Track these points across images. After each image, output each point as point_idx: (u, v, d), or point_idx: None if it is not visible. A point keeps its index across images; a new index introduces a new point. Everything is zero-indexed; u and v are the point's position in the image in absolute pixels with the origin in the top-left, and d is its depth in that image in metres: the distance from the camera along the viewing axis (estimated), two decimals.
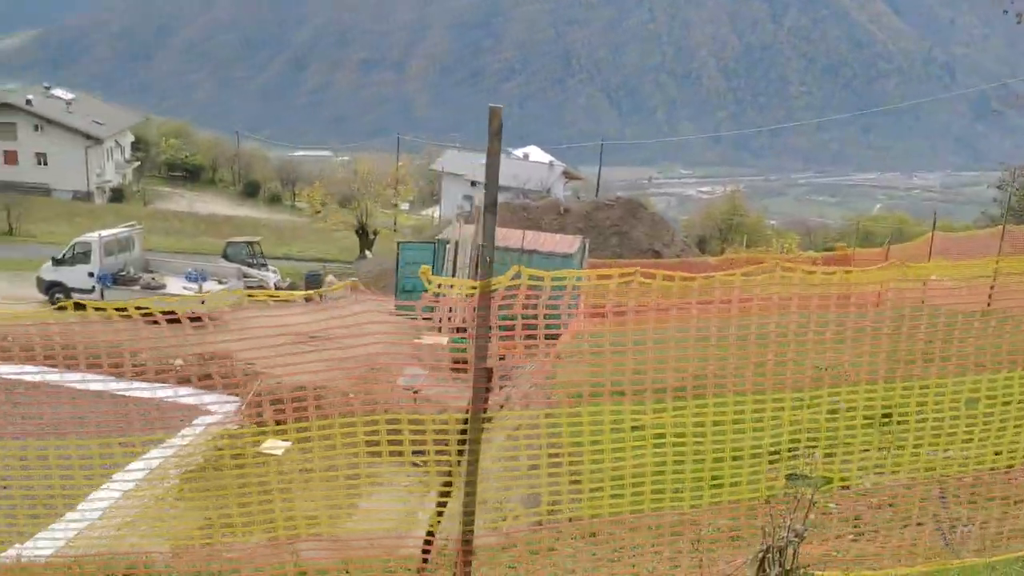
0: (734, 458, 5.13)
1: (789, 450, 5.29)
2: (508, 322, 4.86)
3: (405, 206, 74.15)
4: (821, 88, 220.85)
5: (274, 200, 76.64)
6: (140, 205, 68.44)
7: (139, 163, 75.45)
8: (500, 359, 6.02)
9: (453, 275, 26.01)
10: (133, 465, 15.89)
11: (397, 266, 26.84)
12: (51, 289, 27.07)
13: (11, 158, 66.12)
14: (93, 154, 66.93)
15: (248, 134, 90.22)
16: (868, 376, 5.39)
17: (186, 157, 79.21)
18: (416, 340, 25.57)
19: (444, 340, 25.48)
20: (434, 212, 79.26)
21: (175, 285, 26.83)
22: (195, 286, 26.61)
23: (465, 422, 4.93)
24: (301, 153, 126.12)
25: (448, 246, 25.83)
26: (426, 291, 4.64)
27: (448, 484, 4.72)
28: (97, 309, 5.07)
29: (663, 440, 5.13)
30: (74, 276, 26.71)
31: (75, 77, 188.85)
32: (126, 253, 27.67)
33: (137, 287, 26.52)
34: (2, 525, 5.79)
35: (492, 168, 3.91)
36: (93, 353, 5.19)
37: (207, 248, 50.59)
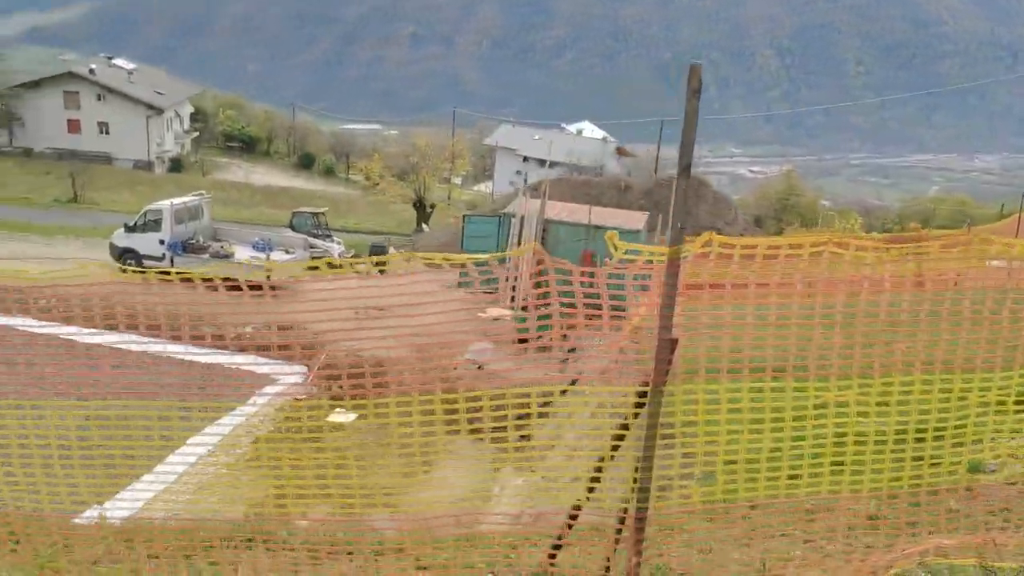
0: (859, 443, 5.00)
1: (922, 435, 5.13)
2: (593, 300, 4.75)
3: (458, 180, 74.26)
4: (879, 68, 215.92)
5: (328, 172, 77.18)
6: (199, 175, 69.38)
7: (197, 134, 76.37)
8: (562, 336, 5.96)
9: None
10: (207, 430, 16.18)
11: (462, 239, 26.89)
12: (123, 255, 27.57)
13: (74, 127, 67.32)
14: (153, 124, 67.90)
15: (306, 105, 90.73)
16: (985, 363, 5.18)
17: (242, 128, 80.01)
18: (481, 313, 25.68)
19: (508, 313, 25.56)
20: (487, 187, 79.26)
21: (242, 254, 27.17)
22: (262, 255, 26.93)
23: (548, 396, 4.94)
24: (351, 126, 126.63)
25: (513, 220, 25.79)
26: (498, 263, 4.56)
27: (603, 459, 4.66)
28: (162, 274, 4.98)
29: (802, 421, 5.00)
30: (146, 243, 27.18)
31: (130, 50, 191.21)
32: (195, 221, 28.07)
33: (206, 255, 26.90)
34: (82, 484, 5.86)
35: (689, 127, 3.80)
36: (168, 319, 5.23)
37: (265, 219, 51.18)
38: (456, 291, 28.64)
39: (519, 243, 25.58)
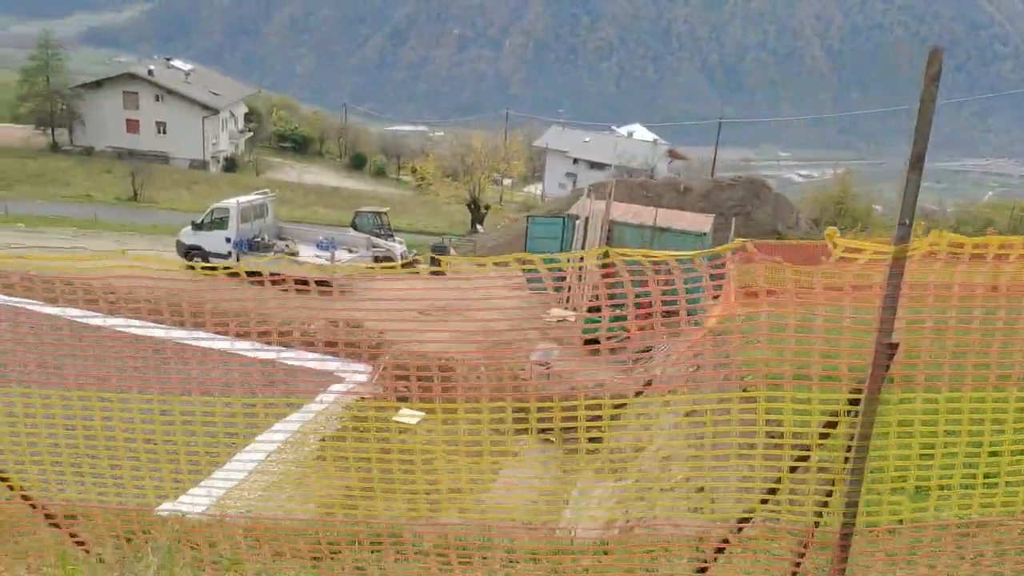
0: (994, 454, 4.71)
1: None
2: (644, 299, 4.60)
3: (507, 182, 74.25)
4: None
5: (379, 173, 77.68)
6: (252, 174, 70.24)
7: (252, 134, 77.30)
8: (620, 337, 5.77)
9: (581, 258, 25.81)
10: (275, 427, 16.25)
11: (526, 240, 26.78)
12: (190, 253, 27.86)
13: (133, 127, 68.52)
14: (209, 124, 68.88)
15: (354, 106, 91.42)
16: None
17: (294, 129, 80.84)
18: (544, 315, 25.54)
19: (572, 315, 25.38)
20: (536, 189, 79.18)
21: (307, 253, 27.31)
22: (326, 254, 27.06)
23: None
24: (396, 128, 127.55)
25: (578, 222, 25.61)
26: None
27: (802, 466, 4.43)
28: (232, 274, 5.04)
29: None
30: (212, 241, 27.41)
31: (184, 51, 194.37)
32: (260, 220, 28.27)
33: (271, 254, 27.08)
34: (148, 480, 5.82)
35: (924, 116, 3.57)
36: (237, 315, 5.19)
37: (319, 218, 51.62)
38: (520, 292, 28.66)
39: (583, 244, 25.40)
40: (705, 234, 24.80)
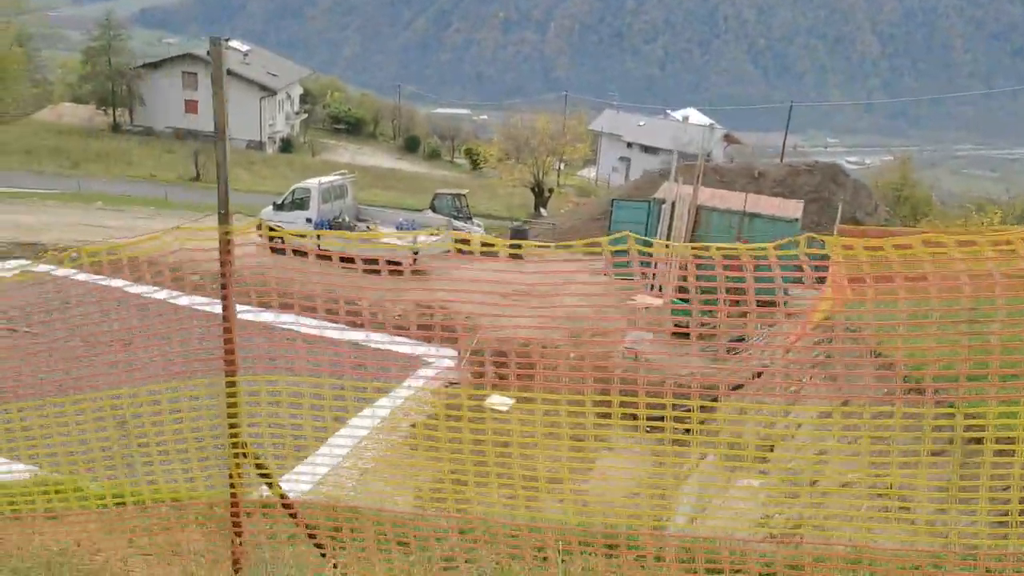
0: None
1: None
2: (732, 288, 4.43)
3: (560, 166, 73.88)
4: (987, 55, 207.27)
5: (433, 155, 77.59)
6: (308, 155, 70.51)
7: (307, 115, 77.57)
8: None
9: (668, 236, 25.49)
10: (365, 411, 16.13)
11: (609, 224, 26.48)
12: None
13: (192, 107, 68.99)
14: (266, 105, 69.18)
15: (406, 86, 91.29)
16: None
17: (349, 111, 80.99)
18: (630, 301, 25.24)
19: (658, 302, 25.05)
20: (590, 173, 78.66)
21: (388, 235, 27.23)
22: (407, 237, 26.94)
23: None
24: (441, 110, 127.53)
25: (664, 206, 25.24)
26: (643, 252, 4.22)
27: None
28: (322, 256, 5.02)
29: None
30: (292, 221, 27.43)
31: (230, 32, 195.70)
32: (340, 201, 28.23)
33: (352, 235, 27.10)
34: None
35: None
36: (325, 298, 5.04)
37: (380, 200, 51.62)
38: (602, 278, 28.22)
39: (670, 229, 25.05)
40: (796, 220, 24.33)
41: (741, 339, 21.85)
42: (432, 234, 27.32)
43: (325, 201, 27.41)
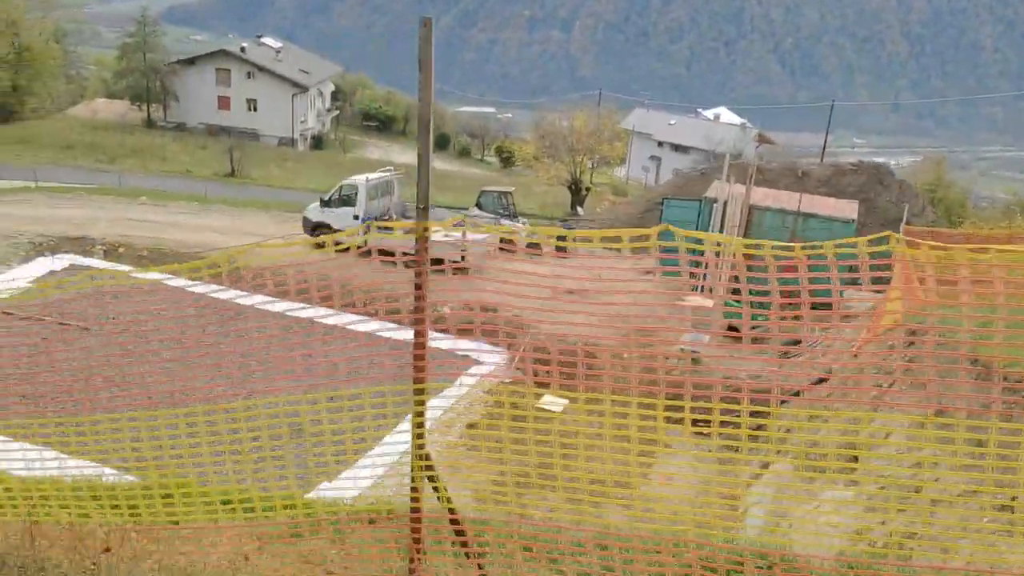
0: None
1: None
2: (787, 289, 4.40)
3: (595, 164, 73.65)
4: (1017, 55, 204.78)
5: (463, 153, 77.51)
6: (339, 152, 70.61)
7: (338, 112, 77.69)
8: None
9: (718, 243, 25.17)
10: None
11: (659, 223, 26.21)
12: (316, 230, 27.86)
13: (224, 103, 69.31)
14: (298, 102, 69.34)
15: (436, 85, 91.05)
16: None
17: (379, 108, 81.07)
18: (680, 301, 24.97)
19: (709, 303, 24.77)
20: (620, 172, 78.29)
21: (435, 232, 27.11)
22: (455, 233, 26.78)
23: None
24: (465, 109, 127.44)
25: (715, 205, 24.96)
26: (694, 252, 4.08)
27: None
28: (364, 253, 4.89)
29: None
30: (339, 218, 27.35)
31: (258, 29, 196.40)
32: (387, 197, 28.14)
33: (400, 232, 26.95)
34: (290, 466, 5.60)
35: None
36: (367, 296, 4.93)
37: (408, 197, 51.52)
38: (651, 276, 28.01)
39: (722, 229, 24.78)
40: (852, 221, 23.99)
41: (797, 342, 21.56)
42: (479, 231, 27.21)
43: (372, 198, 27.33)
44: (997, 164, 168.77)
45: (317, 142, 72.05)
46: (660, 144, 77.88)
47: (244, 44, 71.24)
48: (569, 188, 45.08)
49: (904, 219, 24.46)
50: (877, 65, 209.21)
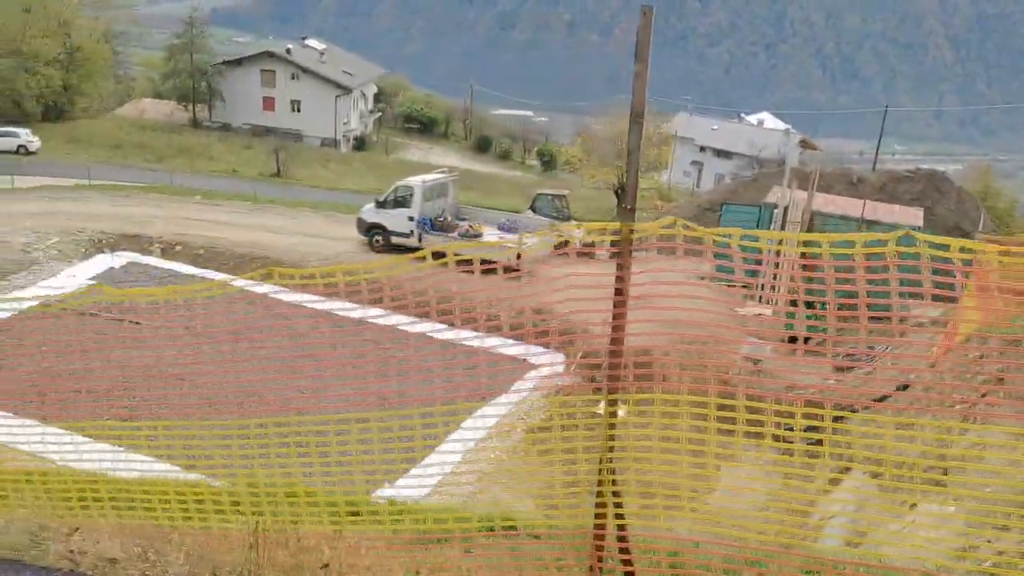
0: None
1: None
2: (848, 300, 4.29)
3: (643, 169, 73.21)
4: None
5: (505, 156, 77.43)
6: (382, 154, 70.83)
7: (380, 114, 77.97)
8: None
9: (780, 243, 24.81)
10: (478, 413, 15.76)
11: None
12: (371, 230, 27.87)
13: (269, 104, 69.83)
14: (341, 103, 69.65)
15: (475, 87, 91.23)
16: None
17: (421, 110, 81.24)
18: (739, 309, 24.64)
19: (768, 311, 24.41)
20: (662, 177, 77.86)
21: (490, 235, 27.00)
22: (511, 236, 26.65)
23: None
24: (502, 111, 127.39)
25: (776, 211, 24.58)
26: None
27: None
28: (437, 256, 4.80)
29: None
30: (394, 219, 27.36)
31: (298, 31, 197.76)
32: (442, 199, 28.09)
33: (455, 234, 26.86)
34: (356, 466, 5.64)
35: None
36: (422, 301, 5.05)
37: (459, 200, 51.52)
38: (707, 282, 27.60)
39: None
40: (919, 229, 23.47)
41: (867, 348, 21.11)
42: (535, 235, 27.03)
43: (427, 199, 27.29)
44: None
45: (359, 143, 72.35)
46: (702, 149, 77.32)
47: (289, 46, 71.71)
48: (615, 192, 44.79)
49: (980, 226, 23.92)
50: (920, 71, 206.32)
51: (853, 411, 14.39)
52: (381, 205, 27.77)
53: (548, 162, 75.36)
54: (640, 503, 5.37)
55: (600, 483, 4.50)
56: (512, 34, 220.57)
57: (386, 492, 7.80)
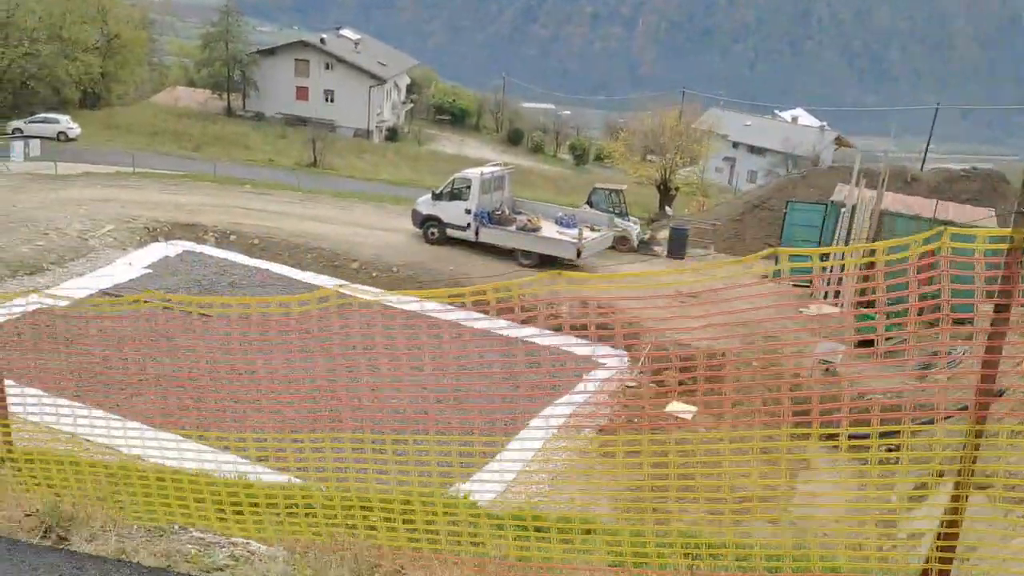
0: None
1: None
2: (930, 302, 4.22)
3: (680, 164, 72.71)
4: None
5: (537, 149, 77.05)
6: (415, 145, 70.62)
7: (413, 105, 77.73)
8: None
9: (847, 242, 24.42)
10: (544, 412, 15.38)
11: (783, 227, 25.52)
12: (426, 223, 27.56)
13: (302, 94, 69.71)
14: (375, 94, 69.43)
15: (496, 80, 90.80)
16: None
17: (453, 102, 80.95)
18: (803, 309, 24.22)
19: (834, 310, 23.97)
20: (691, 172, 77.18)
21: (549, 229, 26.65)
22: (571, 231, 26.32)
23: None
24: (526, 105, 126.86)
25: (843, 210, 24.15)
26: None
27: None
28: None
29: None
30: (451, 212, 27.01)
31: (321, 23, 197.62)
32: (499, 192, 27.72)
33: (513, 228, 26.51)
34: (431, 462, 5.53)
35: None
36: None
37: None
38: (769, 283, 27.15)
39: (849, 234, 23.98)
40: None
41: (935, 353, 20.55)
42: (593, 230, 26.67)
43: (485, 192, 26.91)
44: None
45: (392, 134, 72.15)
46: (735, 145, 76.67)
47: (323, 36, 71.49)
48: (658, 188, 44.33)
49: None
50: (948, 70, 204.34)
51: (944, 419, 14.00)
52: (438, 197, 27.40)
53: (580, 156, 74.90)
54: (710, 507, 5.23)
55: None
56: (535, 28, 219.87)
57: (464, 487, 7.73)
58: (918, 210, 23.81)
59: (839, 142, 76.04)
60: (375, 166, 59.71)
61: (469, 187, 26.82)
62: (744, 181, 75.92)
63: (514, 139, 77.52)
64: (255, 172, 47.67)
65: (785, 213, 25.46)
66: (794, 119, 78.86)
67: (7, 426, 6.34)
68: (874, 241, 23.82)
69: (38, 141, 42.78)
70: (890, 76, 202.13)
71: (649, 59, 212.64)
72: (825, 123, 77.20)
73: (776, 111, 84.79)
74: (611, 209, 28.46)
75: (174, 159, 48.54)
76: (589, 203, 28.93)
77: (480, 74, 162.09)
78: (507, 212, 27.20)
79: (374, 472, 5.45)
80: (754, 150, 76.02)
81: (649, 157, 47.66)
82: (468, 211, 26.72)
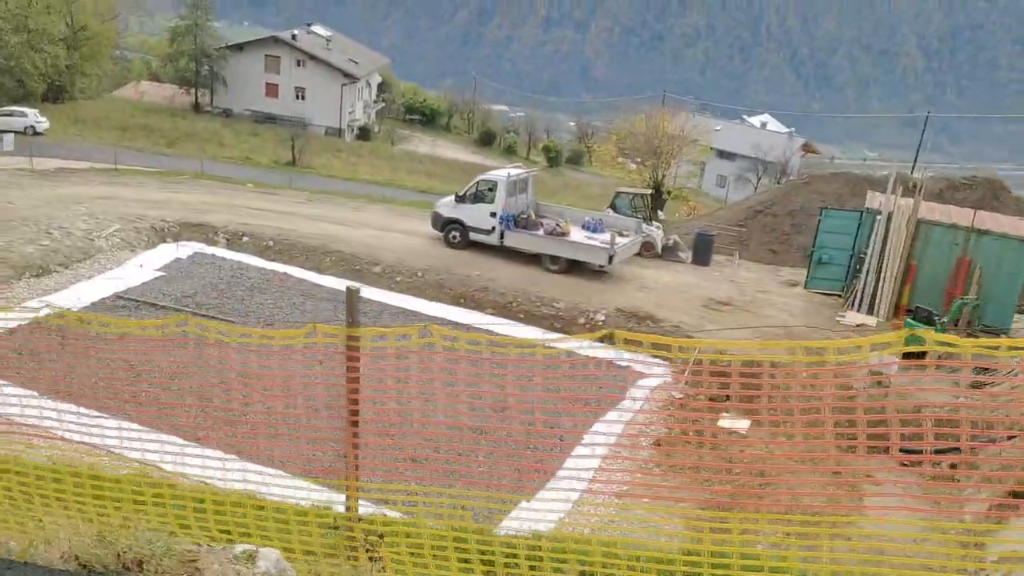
0: None
1: None
2: None
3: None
4: None
5: (509, 150, 76.47)
6: (387, 144, 69.45)
7: (384, 104, 76.54)
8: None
9: (883, 251, 24.29)
10: (596, 427, 14.78)
11: (816, 233, 25.31)
12: (447, 226, 26.72)
13: (272, 91, 68.11)
14: (347, 92, 68.10)
15: (449, 80, 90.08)
16: None
17: (423, 102, 79.97)
18: (839, 318, 24.04)
19: (872, 321, 23.82)
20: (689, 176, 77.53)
21: (576, 234, 26.03)
22: (600, 236, 25.76)
23: None
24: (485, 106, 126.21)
25: (879, 218, 23.99)
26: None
27: None
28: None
29: None
30: (474, 215, 26.18)
31: (274, 18, 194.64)
32: (523, 195, 26.97)
33: (540, 232, 25.82)
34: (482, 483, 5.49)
35: None
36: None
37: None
38: (797, 290, 26.78)
39: (883, 243, 23.84)
40: None
41: (986, 370, 20.46)
42: (621, 235, 26.11)
43: (510, 195, 26.13)
44: (1014, 184, 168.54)
45: (363, 133, 70.88)
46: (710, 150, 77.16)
47: (295, 32, 69.91)
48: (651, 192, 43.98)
49: None
50: (892, 78, 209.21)
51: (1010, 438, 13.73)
52: (460, 199, 26.54)
53: (554, 158, 74.55)
54: (775, 527, 5.04)
55: None
56: (489, 28, 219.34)
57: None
58: (957, 219, 23.75)
59: (806, 148, 76.98)
60: (353, 165, 58.49)
61: (493, 189, 26.01)
62: (713, 185, 76.43)
63: (486, 140, 76.85)
64: (236, 170, 46.19)
65: (819, 220, 25.24)
66: (763, 124, 79.58)
67: None
68: (911, 249, 23.77)
69: (12, 135, 40.76)
70: (835, 84, 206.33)
71: (601, 62, 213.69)
72: (792, 129, 78.08)
73: (745, 116, 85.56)
74: (634, 213, 27.99)
75: (148, 155, 46.78)
76: (613, 207, 28.37)
77: (434, 74, 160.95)
78: (532, 216, 26.49)
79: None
80: (723, 155, 76.50)
81: (634, 160, 47.44)
82: (493, 214, 25.94)
